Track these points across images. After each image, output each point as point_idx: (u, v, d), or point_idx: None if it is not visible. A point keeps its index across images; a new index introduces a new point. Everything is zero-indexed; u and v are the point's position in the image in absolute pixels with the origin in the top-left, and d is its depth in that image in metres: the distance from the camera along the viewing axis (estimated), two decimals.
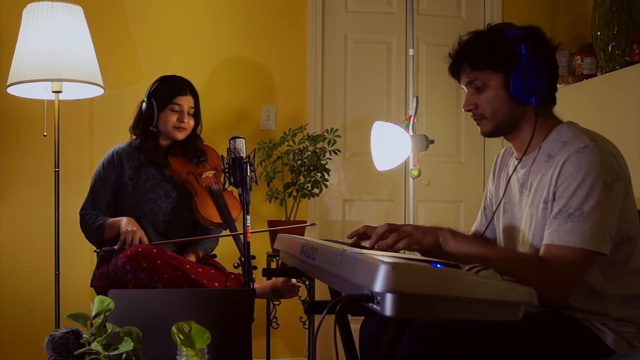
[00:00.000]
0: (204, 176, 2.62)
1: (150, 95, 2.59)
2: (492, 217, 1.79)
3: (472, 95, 1.64)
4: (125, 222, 2.45)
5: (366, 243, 1.66)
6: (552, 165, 1.54)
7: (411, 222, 3.01)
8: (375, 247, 1.52)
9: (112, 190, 2.58)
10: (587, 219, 1.43)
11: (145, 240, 2.42)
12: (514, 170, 1.69)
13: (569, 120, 1.64)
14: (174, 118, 2.58)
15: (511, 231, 1.69)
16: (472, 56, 1.61)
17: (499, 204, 1.74)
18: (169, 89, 2.58)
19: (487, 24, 1.71)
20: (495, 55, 1.58)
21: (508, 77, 1.57)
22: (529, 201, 1.61)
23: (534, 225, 1.57)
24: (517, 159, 1.70)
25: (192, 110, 2.62)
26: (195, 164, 2.64)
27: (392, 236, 1.50)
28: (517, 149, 1.69)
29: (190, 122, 2.61)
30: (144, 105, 2.59)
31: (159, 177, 2.61)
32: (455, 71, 1.67)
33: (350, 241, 1.64)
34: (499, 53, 1.58)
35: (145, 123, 2.60)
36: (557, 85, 1.67)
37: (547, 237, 1.48)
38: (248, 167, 2.11)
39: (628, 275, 1.53)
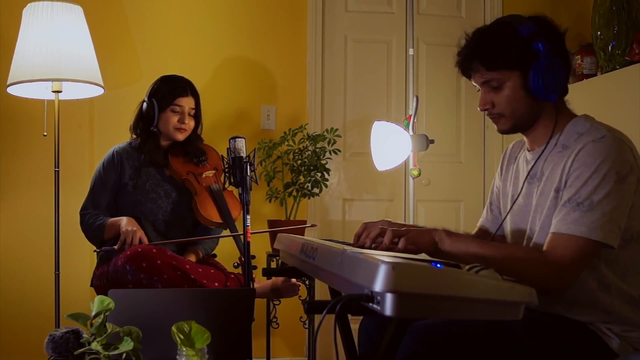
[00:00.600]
0: (204, 176, 2.62)
1: (151, 95, 2.59)
2: (507, 215, 1.74)
3: (488, 94, 1.60)
4: (125, 222, 2.45)
5: None
6: (566, 154, 1.53)
7: (411, 222, 3.01)
8: (373, 247, 1.52)
9: (112, 190, 2.58)
10: (596, 209, 1.42)
11: (145, 240, 2.42)
12: (532, 165, 1.66)
13: (585, 113, 1.62)
14: (174, 119, 2.58)
15: (519, 223, 1.67)
16: (487, 56, 1.57)
17: (515, 200, 1.69)
18: (170, 90, 2.58)
19: (496, 18, 1.68)
20: (511, 54, 1.54)
21: (526, 75, 1.53)
22: (539, 191, 1.59)
23: (544, 214, 1.55)
24: (528, 151, 1.68)
25: (192, 112, 2.62)
26: (196, 163, 2.64)
27: (388, 234, 1.49)
28: (532, 142, 1.66)
29: (190, 123, 2.61)
30: (145, 105, 2.59)
31: (159, 177, 2.61)
32: (466, 70, 1.62)
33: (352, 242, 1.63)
34: (514, 51, 1.53)
35: (145, 123, 2.60)
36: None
37: (554, 225, 1.47)
38: (248, 166, 2.11)
39: (635, 275, 1.52)
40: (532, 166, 1.64)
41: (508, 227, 1.73)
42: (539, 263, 1.43)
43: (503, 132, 1.65)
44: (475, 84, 1.64)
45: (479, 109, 1.64)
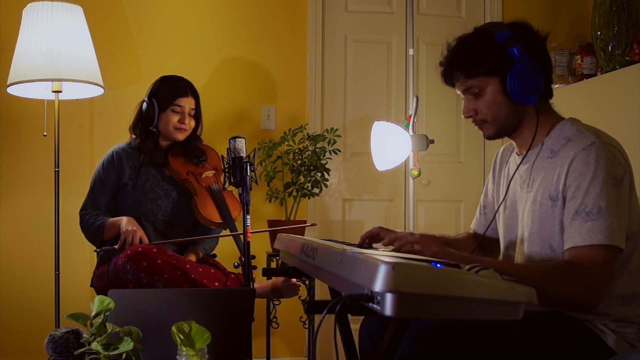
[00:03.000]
0: (203, 176, 2.62)
1: (151, 95, 2.59)
2: (494, 217, 1.79)
3: (470, 101, 1.64)
4: (125, 222, 2.45)
5: (377, 245, 1.66)
6: (557, 162, 1.54)
7: (411, 222, 3.01)
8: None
9: (111, 190, 2.58)
10: (606, 215, 1.43)
11: (145, 240, 2.42)
12: (516, 169, 1.69)
13: (571, 116, 1.64)
14: (175, 119, 2.58)
15: (512, 228, 1.69)
16: (465, 64, 1.61)
17: (501, 203, 1.73)
18: (171, 90, 2.58)
19: (492, 19, 1.70)
20: (488, 61, 1.58)
21: (504, 80, 1.57)
22: (530, 197, 1.60)
23: (538, 222, 1.56)
24: (518, 155, 1.70)
25: (192, 112, 2.62)
26: (195, 163, 2.64)
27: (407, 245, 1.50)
28: (520, 146, 1.69)
29: (190, 123, 2.62)
30: (145, 105, 2.59)
31: (158, 177, 2.61)
32: (448, 79, 1.67)
33: (353, 241, 1.64)
34: (491, 58, 1.57)
35: (145, 123, 2.60)
36: (558, 85, 1.67)
37: (570, 240, 1.47)
38: (248, 166, 2.11)
39: (629, 273, 1.53)
40: (522, 171, 1.66)
41: (501, 232, 1.74)
42: (570, 278, 1.42)
43: (488, 137, 1.68)
44: (458, 92, 1.67)
45: (463, 116, 1.68)
